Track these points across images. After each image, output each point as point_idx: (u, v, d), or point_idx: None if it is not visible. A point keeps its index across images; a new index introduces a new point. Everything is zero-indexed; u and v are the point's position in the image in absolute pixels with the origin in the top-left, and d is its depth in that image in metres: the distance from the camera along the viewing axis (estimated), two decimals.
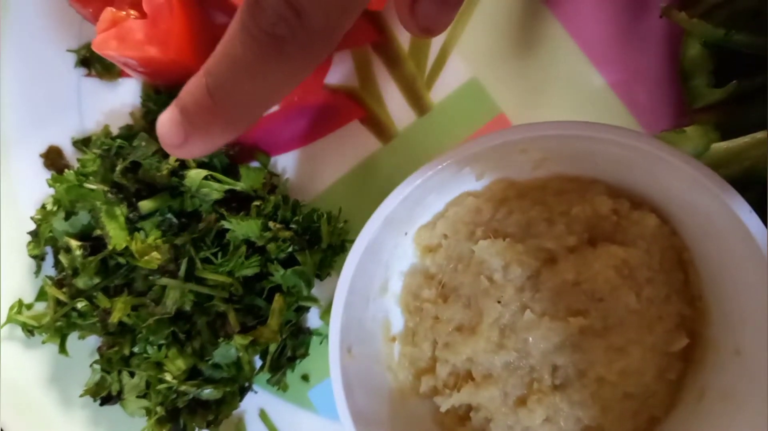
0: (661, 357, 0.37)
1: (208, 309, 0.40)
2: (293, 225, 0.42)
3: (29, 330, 0.43)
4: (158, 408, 0.39)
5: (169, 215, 0.42)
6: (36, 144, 0.47)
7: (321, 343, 0.43)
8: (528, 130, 0.34)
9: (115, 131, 0.46)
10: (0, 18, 0.46)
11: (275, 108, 0.45)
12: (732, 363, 0.36)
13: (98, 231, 0.41)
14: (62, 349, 0.42)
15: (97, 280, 0.40)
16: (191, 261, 0.40)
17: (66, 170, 0.43)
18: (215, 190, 0.41)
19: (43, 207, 0.44)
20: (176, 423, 0.40)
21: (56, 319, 0.41)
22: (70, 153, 0.47)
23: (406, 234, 0.40)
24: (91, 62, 0.46)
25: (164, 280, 0.39)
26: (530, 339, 0.37)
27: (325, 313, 0.44)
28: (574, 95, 0.44)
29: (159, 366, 0.39)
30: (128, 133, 0.44)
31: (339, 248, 0.43)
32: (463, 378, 0.38)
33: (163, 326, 0.39)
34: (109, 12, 0.41)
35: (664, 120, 0.43)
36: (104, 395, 0.41)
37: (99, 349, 0.41)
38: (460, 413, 0.39)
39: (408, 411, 0.39)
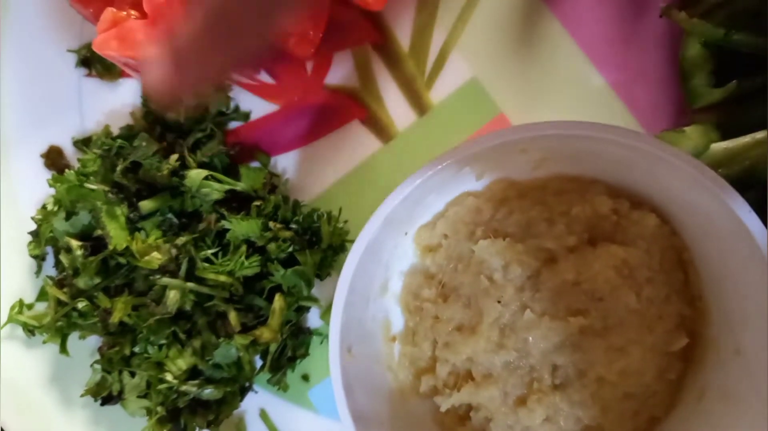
0: (661, 357, 0.37)
1: (209, 309, 0.40)
2: (293, 226, 0.42)
3: (30, 330, 0.43)
4: (159, 408, 0.39)
5: (169, 215, 0.42)
6: (36, 144, 0.47)
7: (321, 343, 0.44)
8: (528, 129, 0.34)
9: (115, 131, 0.46)
10: (0, 18, 0.47)
11: (275, 108, 0.45)
12: (732, 362, 0.36)
13: (99, 231, 0.41)
14: (63, 349, 0.42)
15: (97, 280, 0.41)
16: (192, 261, 0.40)
17: (67, 170, 0.43)
18: (216, 190, 0.41)
19: (44, 207, 0.44)
20: (177, 423, 0.40)
21: (57, 319, 0.41)
22: (70, 153, 0.47)
23: (406, 234, 0.40)
24: (92, 62, 0.46)
25: (165, 280, 0.40)
26: (530, 338, 0.37)
27: (326, 313, 0.44)
28: (574, 95, 0.44)
29: (160, 366, 0.39)
30: (129, 133, 0.44)
31: (339, 248, 0.43)
32: (463, 378, 0.38)
33: (163, 326, 0.39)
34: (109, 12, 0.41)
35: (664, 120, 0.43)
36: (105, 395, 0.41)
37: (100, 349, 0.42)
38: (460, 413, 0.39)
39: (408, 411, 0.39)
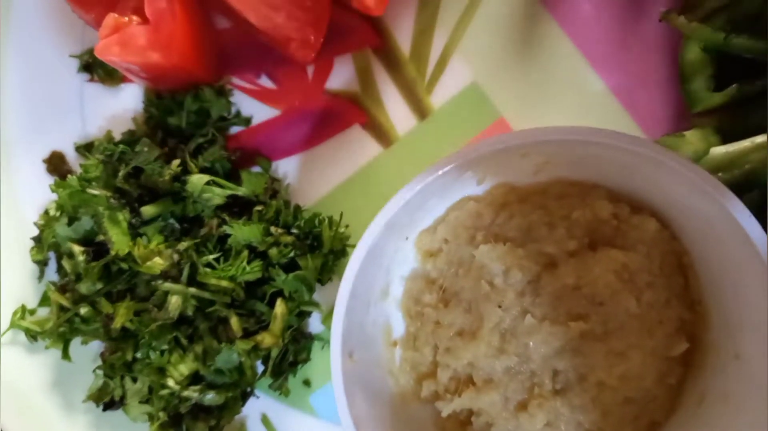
0: (662, 362, 0.37)
1: (210, 314, 0.40)
2: (294, 230, 0.42)
3: (32, 336, 0.43)
4: (161, 414, 0.39)
5: (171, 220, 0.42)
6: (39, 149, 0.47)
7: (322, 348, 0.44)
8: (529, 135, 0.35)
9: (117, 136, 0.46)
10: (2, 23, 0.47)
11: (276, 112, 0.46)
12: (732, 367, 0.36)
13: (101, 237, 0.41)
14: (65, 355, 0.43)
15: (99, 286, 0.41)
16: (193, 266, 0.40)
17: (69, 175, 0.43)
18: (217, 195, 0.41)
19: (46, 212, 0.44)
20: (179, 429, 0.40)
21: (59, 325, 0.41)
22: (72, 158, 0.47)
23: (407, 238, 0.40)
24: (94, 67, 0.47)
25: (167, 285, 0.40)
26: (531, 343, 0.37)
27: (327, 318, 0.44)
28: (575, 99, 0.44)
29: (161, 371, 0.39)
30: (131, 139, 0.44)
31: (340, 253, 0.43)
32: (464, 383, 0.38)
33: (165, 331, 0.39)
34: (111, 18, 0.42)
35: (664, 124, 0.43)
36: (107, 400, 0.41)
37: (102, 355, 0.42)
38: (461, 418, 0.39)
39: (409, 416, 0.39)
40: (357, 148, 0.45)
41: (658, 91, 0.43)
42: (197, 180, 0.41)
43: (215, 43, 0.45)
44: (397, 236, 0.39)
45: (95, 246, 0.42)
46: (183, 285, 0.40)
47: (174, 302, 0.39)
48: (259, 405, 0.44)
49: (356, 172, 0.45)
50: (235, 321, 0.39)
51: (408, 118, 0.45)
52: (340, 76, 0.46)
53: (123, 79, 0.47)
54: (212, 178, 0.42)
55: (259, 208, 0.42)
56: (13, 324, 0.43)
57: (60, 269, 0.43)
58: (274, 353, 0.40)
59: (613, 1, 0.44)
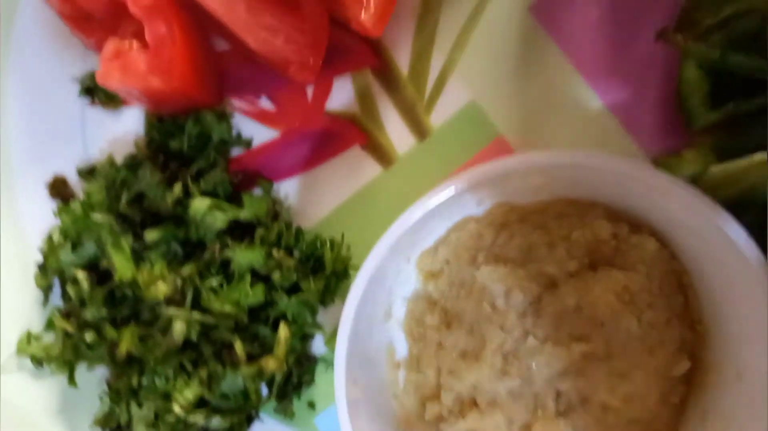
0: (664, 382, 0.37)
1: (215, 338, 0.40)
2: (296, 252, 0.42)
3: (38, 361, 0.43)
4: None
5: (173, 244, 0.42)
6: (41, 173, 0.47)
7: (326, 370, 0.44)
8: (529, 159, 0.35)
9: (119, 158, 0.46)
10: (3, 47, 0.47)
11: (276, 133, 0.46)
12: (734, 387, 0.36)
13: (105, 261, 0.41)
14: (71, 380, 0.43)
15: (104, 311, 0.41)
16: (197, 291, 0.40)
17: (72, 200, 0.44)
18: (219, 220, 0.41)
19: (50, 238, 0.44)
20: None
21: (65, 351, 0.41)
22: (75, 180, 0.47)
23: (408, 259, 0.41)
24: (95, 91, 0.47)
25: (171, 311, 0.40)
26: (533, 365, 0.37)
27: (330, 339, 0.44)
28: (573, 117, 0.44)
29: (167, 396, 0.39)
30: (132, 162, 0.44)
31: (343, 274, 0.43)
32: (468, 405, 0.38)
33: (170, 357, 0.39)
34: (112, 43, 0.42)
35: (662, 141, 0.43)
36: (113, 426, 0.41)
37: (107, 380, 0.42)
38: None
39: None
40: (357, 169, 0.45)
41: (655, 108, 0.44)
42: (199, 204, 0.41)
43: (215, 66, 0.45)
44: (398, 257, 0.39)
45: (100, 271, 0.42)
46: (187, 311, 0.40)
47: (178, 328, 0.39)
48: (264, 428, 0.44)
49: (357, 192, 0.45)
50: (239, 346, 0.39)
51: (407, 138, 0.45)
52: (340, 97, 0.46)
53: (124, 102, 0.47)
54: (214, 200, 0.42)
55: (261, 231, 0.42)
56: (19, 350, 0.44)
57: (64, 294, 0.44)
58: (279, 377, 0.41)
59: (609, 20, 0.44)
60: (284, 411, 0.42)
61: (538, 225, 0.40)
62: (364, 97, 0.46)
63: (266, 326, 0.41)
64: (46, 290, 0.45)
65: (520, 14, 0.45)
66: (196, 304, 0.41)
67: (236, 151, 0.46)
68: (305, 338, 0.43)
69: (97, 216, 0.41)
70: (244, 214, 0.42)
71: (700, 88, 0.41)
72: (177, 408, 0.39)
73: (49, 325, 0.45)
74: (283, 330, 0.40)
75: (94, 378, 0.44)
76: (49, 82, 0.47)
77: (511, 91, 0.45)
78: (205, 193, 0.43)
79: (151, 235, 0.41)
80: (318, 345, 0.45)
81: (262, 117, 0.46)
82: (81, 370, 0.43)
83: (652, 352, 0.37)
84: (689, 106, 0.41)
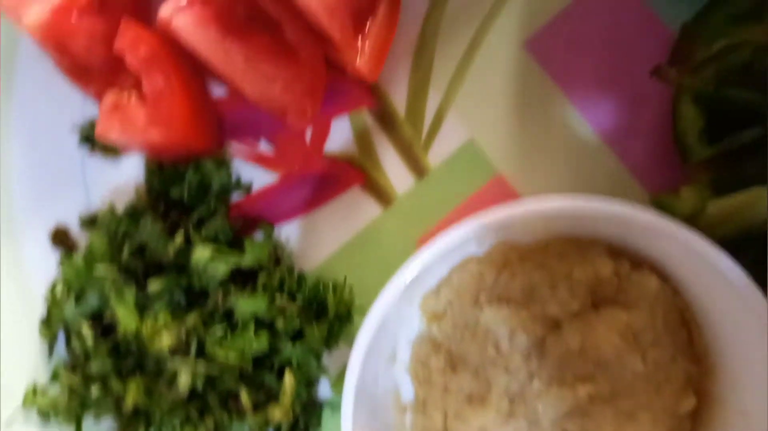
0: (671, 419, 0.37)
1: (220, 387, 0.40)
2: (299, 297, 0.42)
3: (45, 414, 0.43)
4: None
5: (176, 293, 0.42)
6: (44, 221, 0.47)
7: (333, 414, 0.44)
8: (531, 205, 0.36)
9: (120, 206, 0.46)
10: (3, 97, 0.47)
11: (276, 176, 0.46)
12: (739, 423, 0.36)
13: (109, 313, 0.42)
14: None
15: (109, 364, 0.41)
16: (201, 341, 0.41)
17: (74, 249, 0.44)
18: (221, 269, 0.41)
19: (53, 289, 0.44)
20: None
21: (71, 404, 0.41)
22: (77, 229, 0.47)
23: (411, 301, 0.41)
24: (95, 139, 0.47)
25: (175, 362, 0.40)
26: (540, 407, 0.37)
27: (336, 382, 0.44)
28: (571, 153, 0.44)
29: None
30: (133, 212, 0.44)
31: (346, 317, 0.43)
32: None
33: (176, 408, 0.39)
34: (110, 96, 0.42)
35: (660, 175, 0.44)
36: None
37: None
38: None
39: None
40: (357, 209, 0.46)
41: (652, 142, 0.44)
42: (201, 253, 0.41)
43: (213, 112, 0.45)
44: (402, 301, 0.40)
45: (104, 322, 0.42)
46: (192, 361, 0.40)
47: (184, 380, 0.39)
48: None
49: (357, 233, 0.46)
50: (245, 396, 0.40)
51: (406, 177, 0.46)
52: (338, 138, 0.46)
53: (124, 150, 0.47)
54: (216, 248, 0.42)
55: (263, 278, 0.42)
56: (25, 403, 0.44)
57: (69, 345, 0.44)
58: (285, 426, 0.41)
59: (603, 55, 0.44)
60: None
61: (540, 264, 0.40)
62: (361, 138, 0.46)
63: (271, 373, 0.41)
64: (51, 341, 0.45)
65: (514, 50, 0.45)
66: (201, 353, 0.41)
67: (236, 194, 0.46)
68: (311, 383, 0.43)
69: (100, 269, 0.42)
70: (246, 260, 0.43)
71: (695, 122, 0.42)
72: None
73: (55, 376, 0.45)
74: (289, 379, 0.40)
75: (101, 429, 0.44)
76: (49, 131, 0.47)
77: (508, 128, 0.45)
78: (206, 240, 0.43)
79: (154, 286, 0.42)
80: (324, 389, 0.45)
81: (262, 161, 0.46)
82: (88, 423, 0.43)
83: (658, 390, 0.37)
84: (685, 140, 0.42)
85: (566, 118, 0.45)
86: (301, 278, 0.44)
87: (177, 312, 0.42)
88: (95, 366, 0.41)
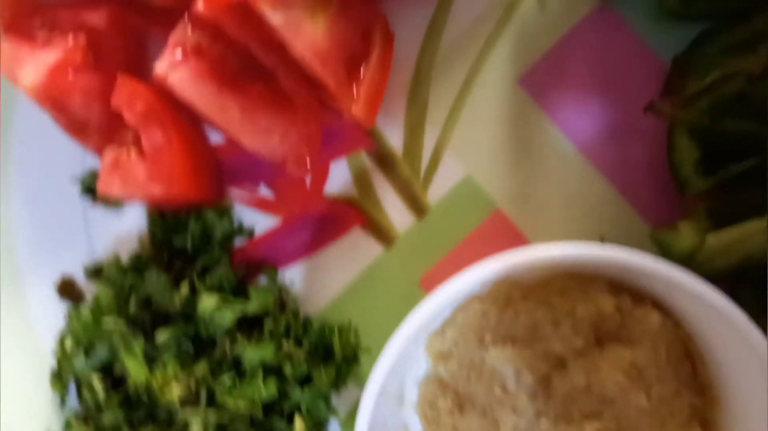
0: None
1: None
2: (305, 342, 0.43)
3: None
4: None
5: (184, 342, 0.43)
6: (49, 273, 0.48)
7: None
8: (535, 253, 0.36)
9: (124, 255, 0.47)
10: (3, 149, 0.48)
11: (277, 220, 0.47)
12: None
13: (119, 365, 0.42)
14: None
15: (121, 415, 0.42)
16: (210, 390, 0.41)
17: (81, 300, 0.44)
18: (227, 318, 0.42)
19: (62, 343, 0.45)
20: None
21: None
22: (82, 279, 0.48)
23: (417, 342, 0.41)
24: (96, 190, 0.47)
25: (186, 412, 0.41)
26: None
27: (346, 423, 0.45)
28: (567, 187, 0.45)
29: None
30: (138, 263, 0.45)
31: (353, 359, 0.44)
32: None
33: None
34: (110, 152, 0.43)
35: (659, 207, 0.44)
36: None
37: None
38: None
39: None
40: (359, 250, 0.46)
41: (650, 174, 0.44)
42: (207, 303, 0.42)
43: (213, 163, 0.46)
44: (409, 343, 0.40)
45: (114, 374, 0.43)
46: (202, 410, 0.41)
47: (195, 430, 0.40)
48: None
49: (360, 274, 0.46)
50: None
51: (406, 216, 0.46)
52: (337, 180, 0.46)
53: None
54: (221, 297, 0.42)
55: (269, 324, 0.43)
56: None
57: (80, 396, 0.44)
58: None
59: (597, 89, 0.45)
60: None
61: (542, 302, 0.40)
62: (360, 179, 0.46)
63: (282, 419, 0.42)
64: (63, 394, 0.46)
65: (509, 87, 0.45)
66: (211, 402, 0.41)
67: (239, 239, 0.47)
68: (321, 425, 0.43)
69: (108, 322, 0.42)
70: (252, 307, 0.43)
71: (690, 154, 0.42)
72: None
73: (68, 428, 0.45)
74: (299, 424, 0.41)
75: None
76: (50, 183, 0.48)
77: (505, 163, 0.45)
78: (211, 289, 0.43)
79: (161, 336, 0.42)
80: (334, 428, 0.45)
81: (262, 205, 0.47)
82: None
83: (664, 425, 0.38)
84: (681, 172, 0.42)
85: (562, 151, 0.45)
86: (307, 322, 0.44)
87: (185, 361, 0.42)
88: (107, 418, 0.42)
